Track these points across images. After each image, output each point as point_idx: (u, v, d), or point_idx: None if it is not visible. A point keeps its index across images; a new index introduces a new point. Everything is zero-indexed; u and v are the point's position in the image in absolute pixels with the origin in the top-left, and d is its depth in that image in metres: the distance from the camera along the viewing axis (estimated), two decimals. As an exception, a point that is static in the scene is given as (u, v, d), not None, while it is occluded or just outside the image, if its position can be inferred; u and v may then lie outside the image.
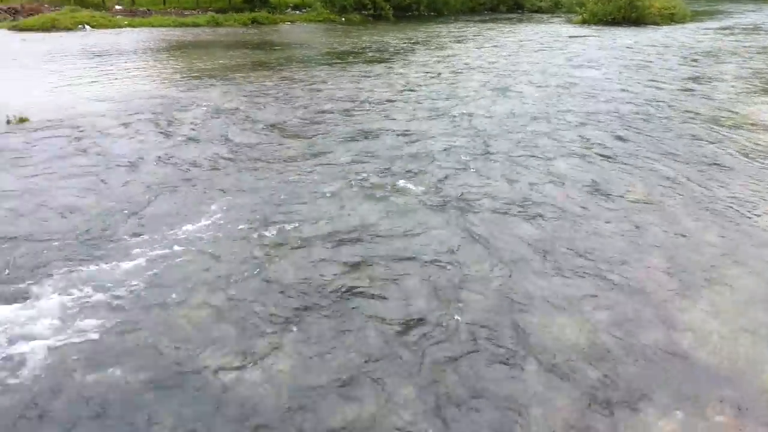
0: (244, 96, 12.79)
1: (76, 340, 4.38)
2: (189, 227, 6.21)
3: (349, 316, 4.72)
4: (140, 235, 6.04)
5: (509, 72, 16.54)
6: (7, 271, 5.30)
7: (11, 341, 4.33)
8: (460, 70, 16.75)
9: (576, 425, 3.67)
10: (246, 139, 9.53)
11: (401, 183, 7.60)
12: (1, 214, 6.50)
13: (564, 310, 4.84)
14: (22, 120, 10.15)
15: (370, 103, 12.28)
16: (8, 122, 10.05)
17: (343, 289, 5.09)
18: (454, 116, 11.18)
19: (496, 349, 4.34)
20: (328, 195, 7.17)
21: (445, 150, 9.01)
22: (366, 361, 4.19)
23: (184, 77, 15.24)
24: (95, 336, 4.43)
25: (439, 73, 16.23)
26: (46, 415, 3.68)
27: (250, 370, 4.07)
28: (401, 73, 16.18)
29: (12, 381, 3.95)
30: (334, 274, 5.32)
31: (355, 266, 5.48)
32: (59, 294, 4.93)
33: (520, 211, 6.76)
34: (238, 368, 4.08)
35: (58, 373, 4.05)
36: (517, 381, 4.03)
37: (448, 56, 19.80)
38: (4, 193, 7.08)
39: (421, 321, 4.66)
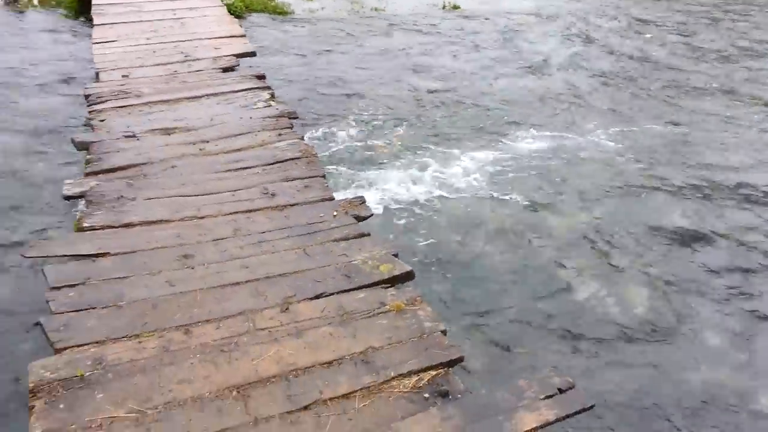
0: (669, 12, 11.49)
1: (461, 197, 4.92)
2: (584, 137, 6.13)
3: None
4: (543, 128, 6.26)
5: None
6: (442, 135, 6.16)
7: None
8: None
9: None
10: (662, 59, 8.68)
11: None
12: (430, 85, 7.44)
13: None
14: (455, 7, 11.17)
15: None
16: (443, 8, 11.17)
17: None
18: None
19: None
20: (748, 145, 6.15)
21: None
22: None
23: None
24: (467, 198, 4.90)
25: None
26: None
27: (605, 288, 3.99)
28: None
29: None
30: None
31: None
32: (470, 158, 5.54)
33: None
34: (595, 280, 4.05)
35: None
36: None
37: None
38: (439, 68, 8.06)
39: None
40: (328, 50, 8.55)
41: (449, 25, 10.11)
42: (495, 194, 5.11)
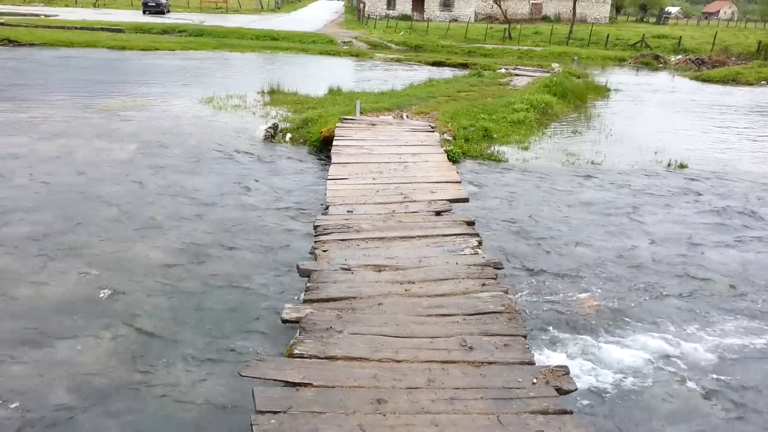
0: None
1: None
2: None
3: None
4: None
5: None
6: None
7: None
8: None
9: None
10: None
11: None
12: (647, 249, 6.98)
13: None
14: (682, 166, 10.62)
15: None
16: (668, 165, 10.68)
17: None
18: None
19: None
20: None
21: None
22: None
23: None
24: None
25: None
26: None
27: None
28: None
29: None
30: None
31: None
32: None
33: None
34: None
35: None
36: None
37: None
38: (658, 231, 7.59)
39: None
40: (539, 201, 8.58)
41: (673, 185, 9.58)
42: (728, 391, 4.43)
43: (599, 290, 5.92)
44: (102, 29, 32.74)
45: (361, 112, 12.10)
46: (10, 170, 8.82)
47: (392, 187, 7.63)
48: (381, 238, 5.98)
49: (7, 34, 26.95)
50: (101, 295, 5.51)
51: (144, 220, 7.28)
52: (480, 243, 5.87)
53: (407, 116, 12.37)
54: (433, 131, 10.90)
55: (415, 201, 7.14)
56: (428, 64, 27.78)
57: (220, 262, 6.32)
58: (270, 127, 11.55)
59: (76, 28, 32.55)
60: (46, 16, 39.23)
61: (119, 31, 32.65)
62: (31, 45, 25.66)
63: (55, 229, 6.91)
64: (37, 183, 8.40)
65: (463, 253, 5.60)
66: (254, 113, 13.69)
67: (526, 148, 11.54)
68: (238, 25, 38.12)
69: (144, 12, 46.50)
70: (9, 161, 9.28)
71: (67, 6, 52.89)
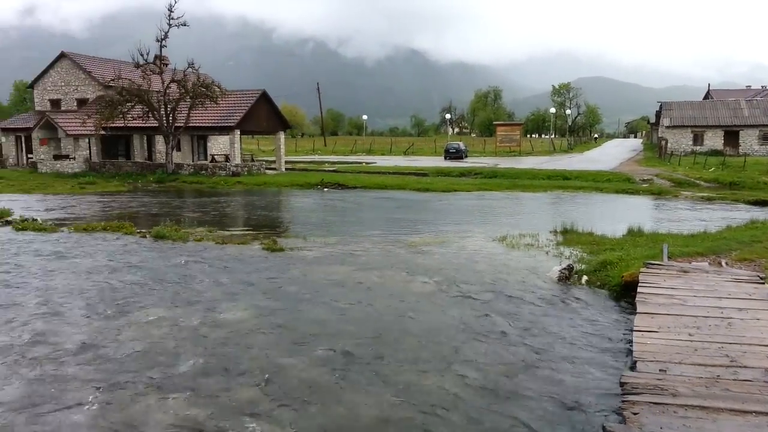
0: None
1: None
2: None
3: None
4: None
5: None
6: None
7: None
8: None
9: None
10: None
11: None
12: None
13: None
14: None
15: None
16: None
17: None
18: None
19: None
20: None
21: None
22: None
23: None
24: None
25: None
26: None
27: None
28: None
29: None
30: None
31: None
32: None
33: None
34: None
35: None
36: None
37: None
38: None
39: None
40: None
41: None
42: None
43: None
44: (410, 173, 37.33)
45: (668, 257, 11.05)
46: (332, 296, 10.14)
47: (714, 347, 6.56)
48: (704, 408, 5.08)
49: (338, 179, 32.67)
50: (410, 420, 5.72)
51: (443, 355, 7.51)
52: None
53: (727, 263, 10.85)
54: (764, 283, 9.28)
55: (746, 367, 5.99)
56: (748, 203, 24.58)
57: (514, 408, 6.08)
58: (565, 268, 11.26)
59: (389, 173, 37.75)
60: (366, 163, 46.61)
61: (424, 174, 36.78)
62: (354, 188, 30.48)
63: (365, 352, 7.57)
64: (354, 308, 9.45)
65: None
66: (547, 252, 13.59)
67: None
68: (529, 167, 39.66)
69: (445, 158, 51.92)
70: (331, 288, 10.71)
71: (383, 155, 62.20)
